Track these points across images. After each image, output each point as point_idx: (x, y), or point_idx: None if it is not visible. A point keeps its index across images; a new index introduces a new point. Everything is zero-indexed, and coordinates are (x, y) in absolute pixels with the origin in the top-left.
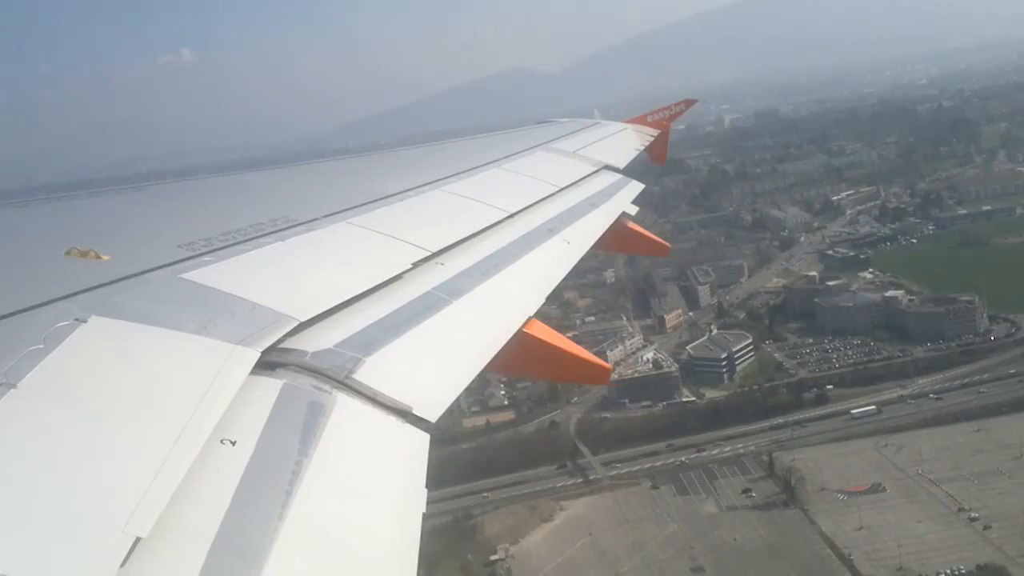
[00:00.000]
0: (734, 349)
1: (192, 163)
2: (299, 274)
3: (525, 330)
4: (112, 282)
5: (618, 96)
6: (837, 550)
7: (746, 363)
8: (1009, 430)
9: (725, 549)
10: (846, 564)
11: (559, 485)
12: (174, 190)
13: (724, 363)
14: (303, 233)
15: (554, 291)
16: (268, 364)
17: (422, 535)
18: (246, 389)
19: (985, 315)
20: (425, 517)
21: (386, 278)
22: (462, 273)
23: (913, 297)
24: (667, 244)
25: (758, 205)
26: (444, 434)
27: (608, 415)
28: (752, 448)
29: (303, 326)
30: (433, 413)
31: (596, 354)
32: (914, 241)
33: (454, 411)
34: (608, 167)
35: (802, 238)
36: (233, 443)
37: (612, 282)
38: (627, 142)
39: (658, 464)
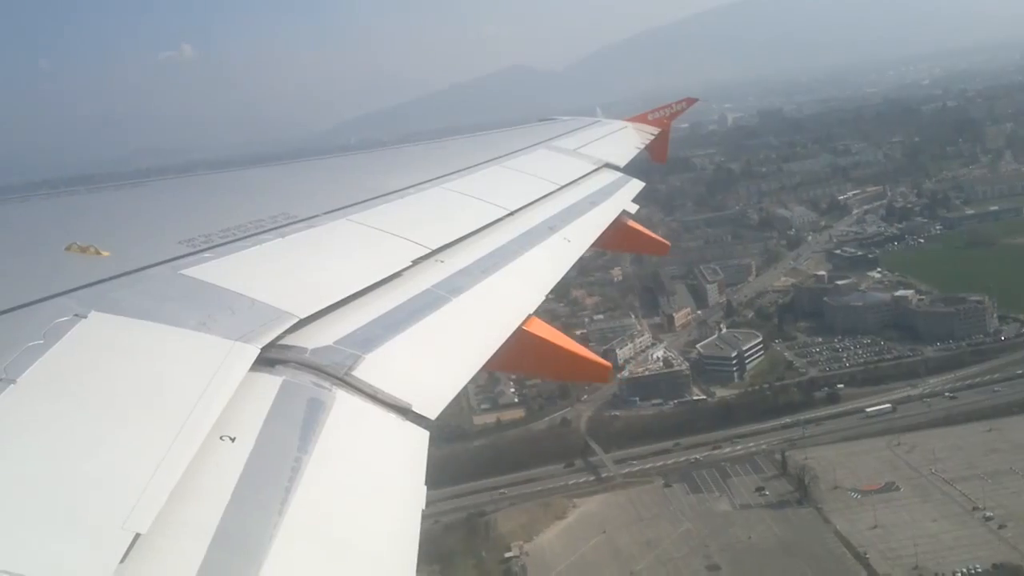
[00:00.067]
0: (744, 348)
1: (193, 159)
2: (299, 271)
3: (525, 328)
4: (112, 278)
5: (619, 94)
6: (852, 549)
7: (756, 362)
8: (1021, 430)
9: (740, 547)
10: (862, 563)
11: (571, 483)
12: (174, 186)
13: (734, 362)
14: (303, 230)
15: (561, 289)
16: (268, 360)
17: (436, 532)
18: (246, 385)
19: (995, 315)
20: (439, 513)
21: (386, 275)
22: (462, 271)
23: (923, 297)
24: (667, 242)
25: (764, 204)
26: (455, 431)
27: (619, 413)
28: (764, 447)
29: (303, 323)
30: (433, 410)
31: (606, 352)
32: (921, 241)
33: (464, 408)
34: (609, 165)
35: (809, 237)
36: (233, 439)
37: (619, 280)
38: (628, 140)
39: (670, 462)
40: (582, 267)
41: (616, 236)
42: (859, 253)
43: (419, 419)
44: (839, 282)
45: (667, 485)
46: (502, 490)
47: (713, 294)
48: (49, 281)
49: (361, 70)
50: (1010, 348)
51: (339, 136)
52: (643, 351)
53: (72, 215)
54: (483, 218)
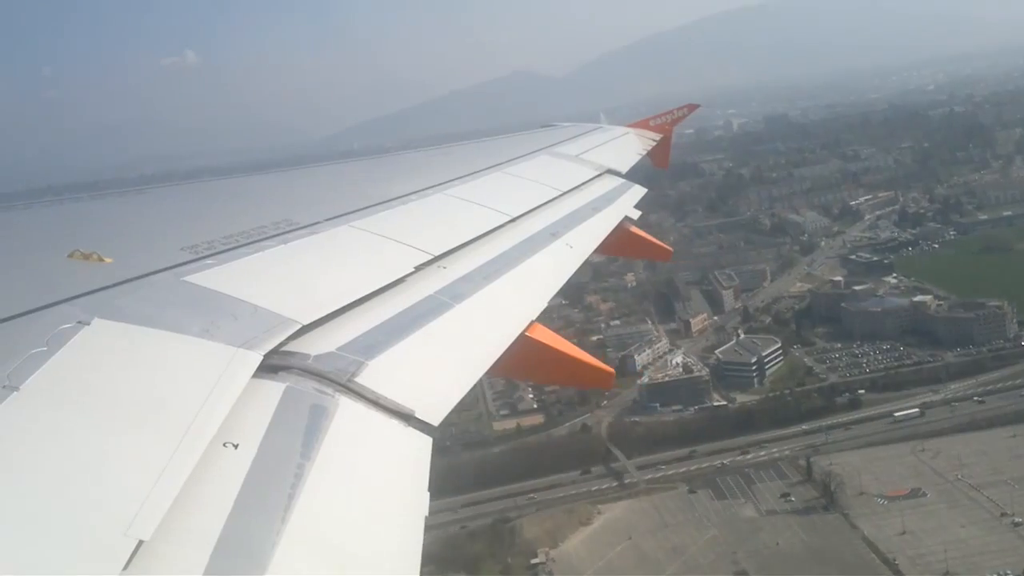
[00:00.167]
0: (764, 353)
1: (196, 165)
2: (302, 277)
3: (527, 334)
4: (115, 285)
5: (622, 100)
6: (881, 555)
7: (775, 367)
8: None
9: (767, 553)
10: (891, 569)
11: (594, 489)
12: (177, 193)
13: (754, 367)
14: (306, 236)
15: (575, 294)
16: (271, 367)
17: (462, 538)
18: (249, 392)
19: (1015, 320)
20: (464, 519)
21: (388, 282)
22: (464, 277)
23: (941, 302)
24: (669, 248)
25: (776, 209)
26: (475, 437)
27: (639, 419)
28: (787, 452)
29: (306, 329)
30: (436, 417)
31: (624, 358)
32: (936, 246)
33: (483, 414)
34: (611, 171)
35: (822, 242)
36: (236, 446)
37: (633, 286)
38: (630, 146)
39: (693, 468)
40: (595, 272)
41: (619, 242)
42: (874, 258)
43: (422, 426)
44: (856, 287)
45: (691, 491)
46: (531, 495)
47: (729, 300)
48: (52, 288)
49: (364, 76)
50: None
51: (342, 142)
52: (661, 357)
53: (75, 222)
54: (485, 224)
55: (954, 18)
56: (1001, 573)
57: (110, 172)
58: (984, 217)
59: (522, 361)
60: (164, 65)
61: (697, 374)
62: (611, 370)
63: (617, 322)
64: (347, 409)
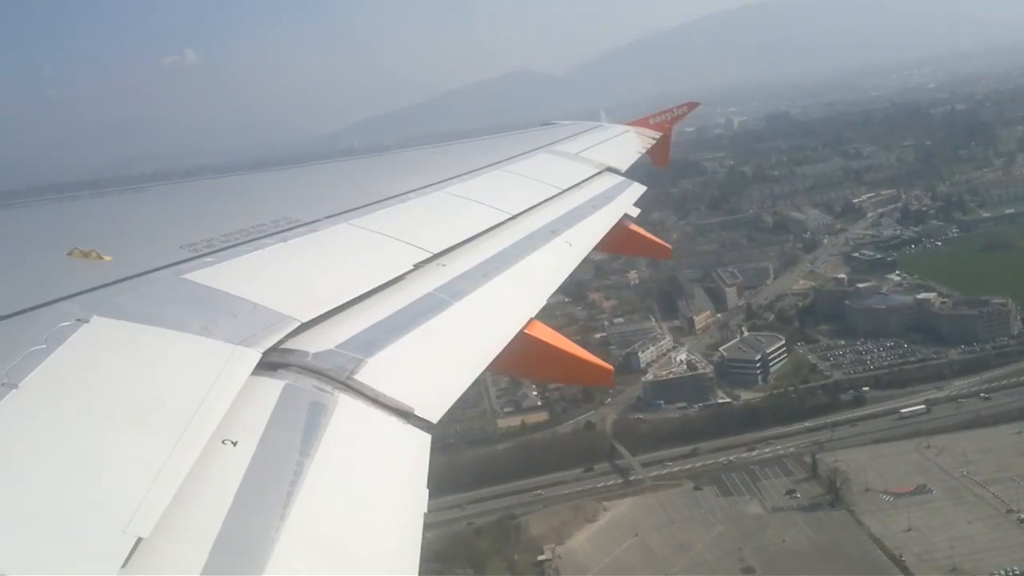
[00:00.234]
0: (768, 351)
1: (197, 164)
2: (301, 275)
3: (526, 331)
4: (114, 282)
5: (622, 98)
6: (887, 551)
7: (779, 365)
8: None
9: (774, 550)
10: (898, 565)
11: (599, 486)
12: (176, 191)
13: (758, 365)
14: (305, 234)
15: (578, 292)
16: (270, 365)
17: (468, 534)
18: (248, 390)
19: (1019, 317)
20: (470, 516)
21: (388, 279)
22: (463, 274)
23: (945, 300)
24: (668, 246)
25: (778, 207)
26: (479, 435)
27: (643, 416)
28: (792, 449)
29: (305, 327)
30: (434, 414)
31: (628, 355)
32: (939, 244)
33: (487, 412)
34: (610, 169)
35: (825, 240)
36: (235, 444)
37: (636, 284)
38: (629, 145)
39: (698, 465)
40: (598, 270)
41: (618, 239)
42: (877, 256)
43: (421, 423)
44: (860, 285)
45: (697, 488)
46: (538, 491)
47: (732, 297)
48: (51, 286)
49: (364, 74)
50: None
51: (342, 140)
52: (665, 354)
53: (74, 220)
54: (485, 222)
55: (952, 17)
56: (1008, 570)
57: (110, 171)
58: (987, 215)
59: (521, 359)
60: (164, 64)
61: (701, 371)
62: (610, 367)
63: (620, 319)
64: (346, 406)
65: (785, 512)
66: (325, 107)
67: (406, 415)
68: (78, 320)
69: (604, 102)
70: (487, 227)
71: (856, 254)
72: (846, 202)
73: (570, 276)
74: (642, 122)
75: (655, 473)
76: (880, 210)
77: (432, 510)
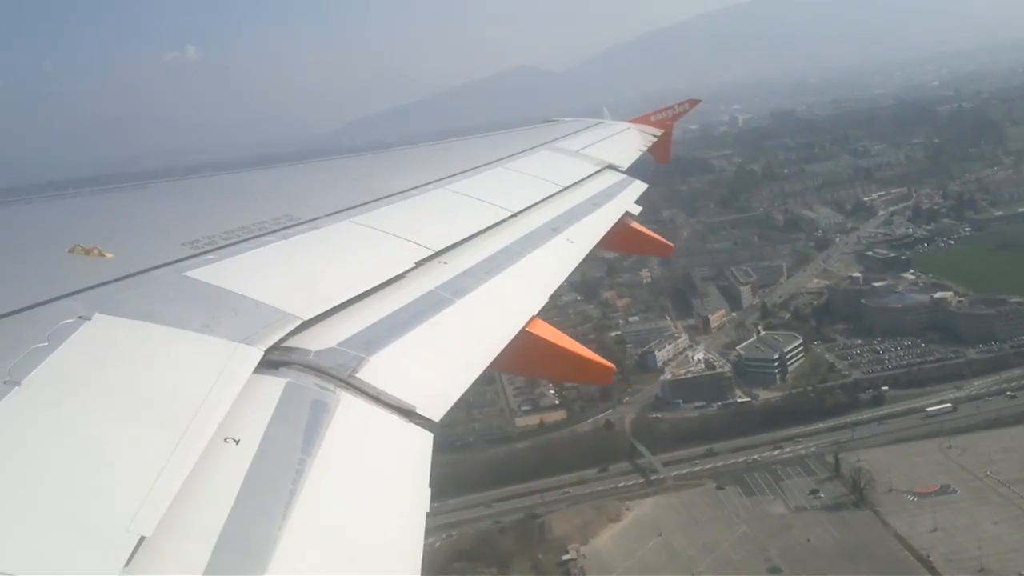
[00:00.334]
0: (785, 350)
1: (198, 160)
2: (302, 273)
3: (528, 329)
4: (116, 280)
5: (624, 95)
6: (914, 552)
7: (797, 364)
8: None
9: (800, 550)
10: (925, 566)
11: (621, 485)
12: (178, 188)
13: (776, 364)
14: (306, 232)
15: (591, 290)
16: (271, 363)
17: (492, 533)
18: (249, 388)
19: None
20: (495, 515)
21: (389, 277)
22: (465, 272)
23: (962, 298)
24: (670, 244)
25: (789, 205)
26: (498, 433)
27: (662, 415)
28: (813, 449)
29: (306, 325)
30: (436, 412)
31: (644, 354)
32: (952, 242)
33: (505, 411)
34: (612, 167)
35: (837, 239)
36: (237, 442)
37: (648, 282)
38: (631, 142)
39: (719, 464)
40: (610, 268)
41: (619, 237)
42: (891, 255)
43: (423, 421)
44: (876, 284)
45: (719, 488)
46: (566, 490)
47: (746, 296)
48: (53, 283)
49: (365, 71)
50: None
51: (343, 137)
52: (681, 353)
53: (76, 217)
54: (486, 219)
55: (952, 14)
56: None
57: (111, 167)
58: (999, 213)
59: (523, 357)
60: (165, 60)
61: (720, 370)
62: (611, 366)
63: (635, 318)
64: (348, 405)
65: (809, 512)
66: (327, 104)
67: (408, 413)
68: (80, 318)
69: (606, 99)
70: (488, 225)
71: (870, 252)
72: (857, 200)
73: (582, 274)
74: (643, 119)
75: (676, 472)
76: (891, 208)
77: (456, 508)
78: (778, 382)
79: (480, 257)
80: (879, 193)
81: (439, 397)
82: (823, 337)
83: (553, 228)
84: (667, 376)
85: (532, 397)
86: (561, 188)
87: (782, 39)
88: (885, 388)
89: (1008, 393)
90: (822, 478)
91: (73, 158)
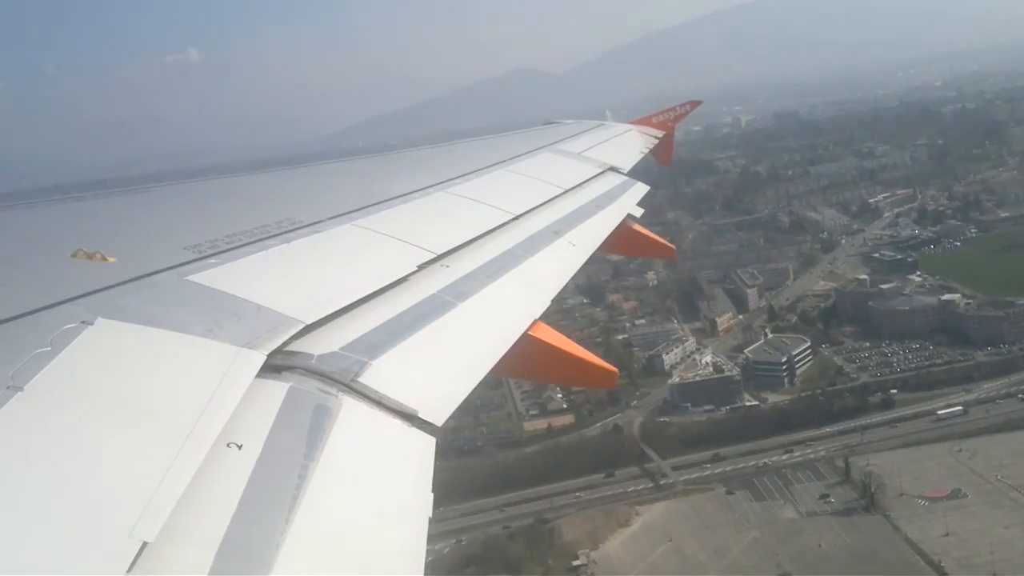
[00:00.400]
0: (794, 353)
1: (200, 163)
2: (304, 276)
3: (531, 333)
4: (118, 284)
5: (625, 97)
6: (926, 557)
7: (805, 367)
8: None
9: (811, 555)
10: (937, 571)
11: (630, 490)
12: (180, 192)
13: (784, 367)
14: (308, 235)
15: (597, 293)
16: (274, 367)
17: (502, 539)
18: (252, 392)
19: None
20: (504, 520)
21: (392, 280)
22: (467, 275)
23: (970, 301)
24: (672, 246)
25: (794, 207)
26: (506, 438)
27: (670, 419)
28: (823, 453)
29: (309, 329)
30: (439, 417)
31: (652, 357)
32: (958, 244)
33: (512, 414)
34: (613, 169)
35: (843, 240)
36: (239, 446)
37: (654, 285)
38: (632, 144)
39: (729, 469)
40: (616, 271)
41: (621, 240)
42: (898, 256)
43: (426, 426)
44: (883, 286)
45: (729, 492)
46: (578, 494)
47: (753, 298)
48: (55, 287)
49: (367, 74)
50: None
51: (345, 140)
52: (689, 356)
53: (78, 221)
54: (488, 222)
55: (952, 16)
56: None
57: (114, 170)
58: (1005, 215)
59: (525, 360)
60: (167, 63)
61: (728, 374)
62: (614, 369)
63: (642, 321)
64: (351, 409)
65: (820, 516)
66: (329, 106)
67: (411, 418)
68: (83, 322)
69: (607, 101)
70: (491, 228)
71: (876, 255)
72: (862, 202)
73: (588, 277)
74: (645, 121)
75: (686, 477)
76: (896, 210)
77: (465, 513)
78: (786, 385)
79: (482, 260)
80: (884, 195)
81: (442, 401)
82: (831, 340)
83: (555, 231)
84: (675, 380)
85: (540, 401)
86: (563, 190)
87: (783, 40)
88: (894, 391)
89: (1020, 396)
90: (832, 482)
91: (76, 162)
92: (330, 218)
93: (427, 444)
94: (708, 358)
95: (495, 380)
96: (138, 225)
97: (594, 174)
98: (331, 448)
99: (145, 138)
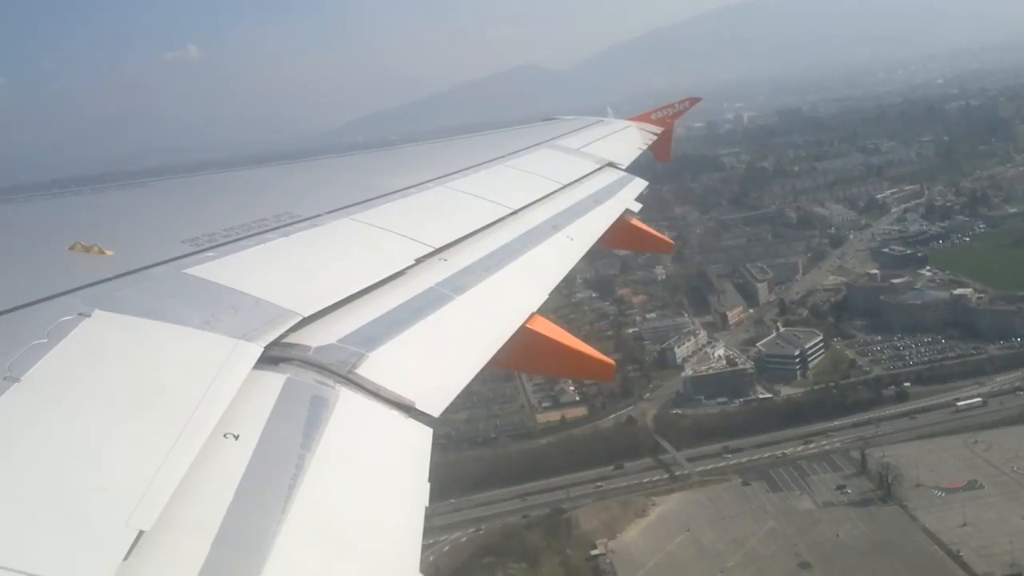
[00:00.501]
0: (806, 346)
1: (199, 159)
2: (302, 270)
3: (528, 326)
4: (116, 277)
5: (627, 94)
6: (944, 547)
7: (818, 360)
8: None
9: (829, 546)
10: (956, 561)
11: (646, 481)
12: (178, 185)
13: (797, 360)
14: (306, 229)
15: (606, 287)
16: (271, 359)
17: (519, 528)
18: (249, 384)
19: None
20: (521, 509)
21: (389, 274)
22: (465, 269)
23: (981, 295)
24: (670, 241)
25: (801, 203)
26: (520, 429)
27: (684, 411)
28: (838, 445)
29: (306, 321)
30: (436, 408)
31: (663, 351)
32: (967, 239)
33: (525, 407)
34: (612, 164)
35: (851, 236)
36: (236, 437)
37: (663, 279)
38: (631, 140)
39: (744, 460)
40: (624, 265)
41: (619, 235)
42: (907, 252)
43: (423, 417)
44: (895, 280)
45: (745, 483)
46: (599, 483)
47: (763, 292)
48: (53, 280)
49: (368, 69)
50: None
51: (346, 135)
52: (700, 349)
53: (76, 214)
54: (486, 217)
55: (953, 13)
56: None
57: (114, 166)
58: (1013, 210)
59: (523, 353)
60: (166, 59)
61: (741, 367)
62: (611, 362)
63: (653, 315)
64: (348, 401)
65: (836, 507)
66: (329, 102)
67: (408, 409)
68: (80, 314)
69: (608, 97)
70: (489, 222)
71: (885, 249)
72: (869, 198)
73: (596, 272)
74: (644, 117)
75: (701, 468)
76: (904, 205)
77: (484, 503)
78: (798, 378)
79: (480, 254)
80: (891, 190)
81: (439, 393)
82: (842, 334)
83: (553, 225)
84: (688, 372)
85: (552, 393)
86: (561, 186)
87: (784, 37)
88: (907, 384)
89: None
90: (848, 474)
91: (75, 156)
92: (328, 212)
93: (424, 435)
94: (720, 351)
95: (506, 373)
96: (136, 218)
97: (592, 170)
98: (328, 439)
99: (145, 133)
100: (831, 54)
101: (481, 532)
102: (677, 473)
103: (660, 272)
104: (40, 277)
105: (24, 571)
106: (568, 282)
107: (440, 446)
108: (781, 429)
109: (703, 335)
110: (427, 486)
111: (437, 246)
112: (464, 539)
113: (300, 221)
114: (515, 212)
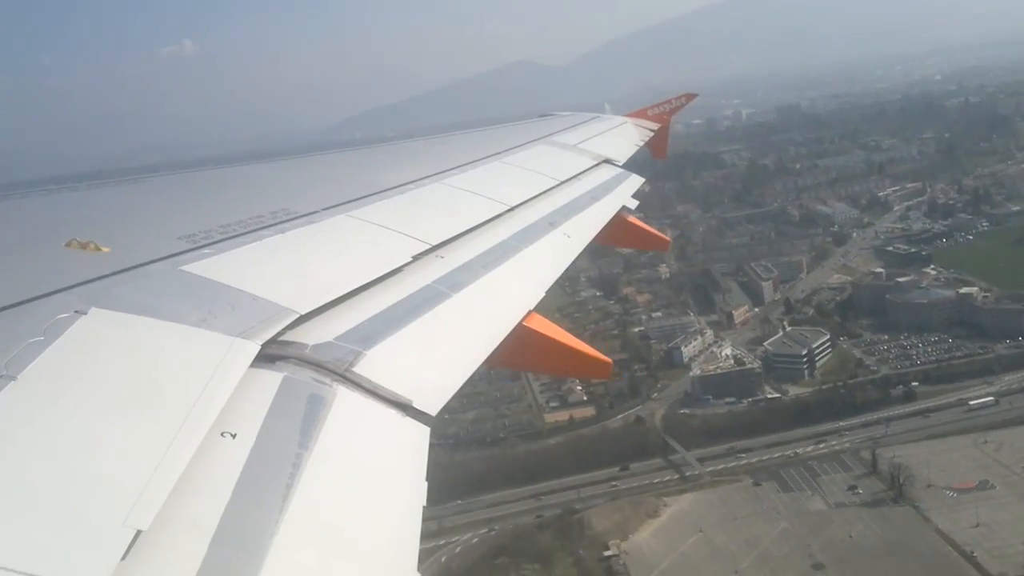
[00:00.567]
0: (813, 345)
1: (196, 155)
2: (299, 267)
3: (525, 324)
4: (112, 274)
5: (623, 89)
6: (958, 547)
7: (825, 359)
8: None
9: (842, 546)
10: (970, 561)
11: (656, 481)
12: (174, 182)
13: (804, 359)
14: (303, 226)
15: (611, 286)
16: (268, 357)
17: (532, 529)
18: (246, 382)
19: None
20: (533, 510)
21: (386, 271)
22: (462, 266)
23: (987, 294)
24: (667, 238)
25: (803, 200)
26: (528, 429)
27: (692, 411)
28: (847, 445)
29: (303, 319)
30: (433, 407)
31: (670, 350)
32: (970, 237)
33: (533, 406)
34: (608, 161)
35: (854, 234)
36: (233, 436)
37: (667, 277)
38: (627, 136)
39: (754, 460)
40: (627, 263)
41: (616, 231)
42: (911, 250)
43: (420, 415)
44: (900, 279)
45: (756, 484)
46: (613, 483)
47: (768, 291)
48: (49, 277)
49: (366, 66)
50: None
51: (342, 132)
52: (707, 348)
53: (72, 211)
54: (483, 214)
55: (949, 10)
56: None
57: (111, 162)
58: (1016, 208)
59: (520, 351)
60: (163, 55)
61: (749, 366)
62: (609, 360)
63: (658, 314)
64: (345, 399)
65: (848, 508)
66: (326, 99)
67: (405, 407)
68: (76, 312)
69: (606, 94)
70: (485, 219)
71: (889, 248)
72: (871, 195)
73: (600, 270)
74: (640, 113)
75: (711, 468)
76: (906, 203)
77: (495, 503)
78: (806, 378)
79: (477, 251)
80: (893, 188)
81: (436, 391)
82: (848, 333)
83: (550, 222)
84: (696, 372)
85: (560, 393)
86: (558, 182)
87: (781, 33)
88: (915, 384)
89: None
90: (859, 474)
91: (72, 153)
92: (325, 209)
93: (422, 433)
94: (728, 351)
95: (513, 372)
96: (132, 215)
97: (589, 166)
98: (325, 437)
99: (142, 129)
100: (828, 50)
101: (493, 533)
102: (688, 473)
103: (664, 270)
104: (36, 274)
105: (22, 571)
106: (572, 280)
107: (449, 446)
108: (790, 429)
109: (709, 334)
110: (425, 485)
111: (434, 243)
112: (476, 540)
113: (297, 218)
114: (512, 209)
